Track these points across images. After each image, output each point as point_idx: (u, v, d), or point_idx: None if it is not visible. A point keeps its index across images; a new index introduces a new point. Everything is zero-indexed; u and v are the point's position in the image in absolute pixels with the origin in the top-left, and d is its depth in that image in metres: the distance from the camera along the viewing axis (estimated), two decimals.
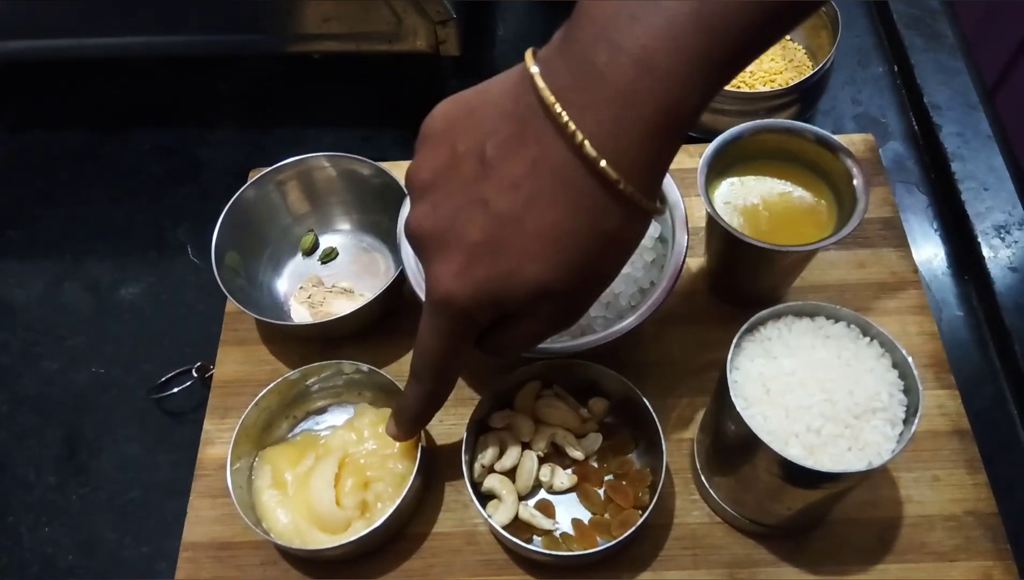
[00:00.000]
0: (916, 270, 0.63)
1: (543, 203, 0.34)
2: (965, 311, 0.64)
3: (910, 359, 0.43)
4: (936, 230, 0.68)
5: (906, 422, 0.43)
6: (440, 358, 0.42)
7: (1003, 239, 0.64)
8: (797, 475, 0.42)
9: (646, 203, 0.35)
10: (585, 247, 0.35)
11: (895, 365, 0.44)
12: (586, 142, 0.33)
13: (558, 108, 0.33)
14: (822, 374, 0.44)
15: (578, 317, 0.41)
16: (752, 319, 0.46)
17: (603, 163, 0.33)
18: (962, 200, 0.66)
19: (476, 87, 0.38)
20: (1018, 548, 0.52)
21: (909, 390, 0.44)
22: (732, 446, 0.46)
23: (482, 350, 0.42)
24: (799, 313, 0.46)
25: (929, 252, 0.67)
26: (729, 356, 0.44)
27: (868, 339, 0.45)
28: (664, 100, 0.33)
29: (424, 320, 0.41)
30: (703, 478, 0.54)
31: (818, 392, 0.43)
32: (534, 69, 0.34)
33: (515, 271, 0.36)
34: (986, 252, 0.64)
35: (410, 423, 0.50)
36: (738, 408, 0.43)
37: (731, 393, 0.43)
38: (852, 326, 0.46)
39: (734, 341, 0.45)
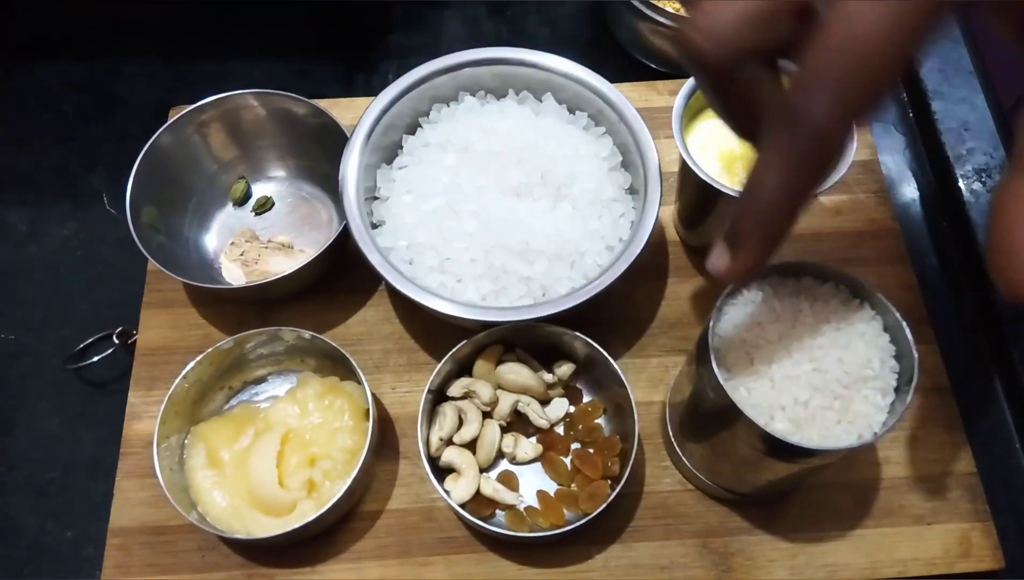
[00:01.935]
0: (895, 217, 0.60)
1: None
2: (942, 259, 0.61)
3: (904, 322, 0.40)
4: (913, 173, 0.65)
5: (898, 391, 0.40)
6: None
7: (984, 183, 0.61)
8: (782, 451, 0.39)
9: None
10: None
11: (887, 329, 0.41)
12: None
13: None
14: (810, 341, 0.40)
15: None
16: None
17: None
18: (942, 141, 0.63)
19: None
20: (995, 508, 0.50)
21: (902, 355, 0.40)
22: (710, 416, 0.43)
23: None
24: (784, 273, 0.42)
25: (906, 196, 0.64)
26: (711, 323, 0.40)
27: (858, 301, 0.42)
28: None
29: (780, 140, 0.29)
30: (675, 444, 0.51)
31: (806, 361, 0.39)
32: None
33: None
34: (966, 196, 0.61)
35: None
36: (720, 379, 0.39)
37: (713, 364, 0.39)
38: (841, 286, 0.42)
39: (716, 305, 0.41)
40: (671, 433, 0.51)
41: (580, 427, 0.52)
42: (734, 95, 0.32)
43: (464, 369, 0.52)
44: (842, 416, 0.39)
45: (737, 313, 0.42)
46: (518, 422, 0.52)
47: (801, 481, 0.50)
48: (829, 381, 0.39)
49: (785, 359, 0.40)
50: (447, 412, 0.50)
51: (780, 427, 0.39)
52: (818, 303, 0.41)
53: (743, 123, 0.34)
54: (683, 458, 0.50)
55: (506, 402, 0.51)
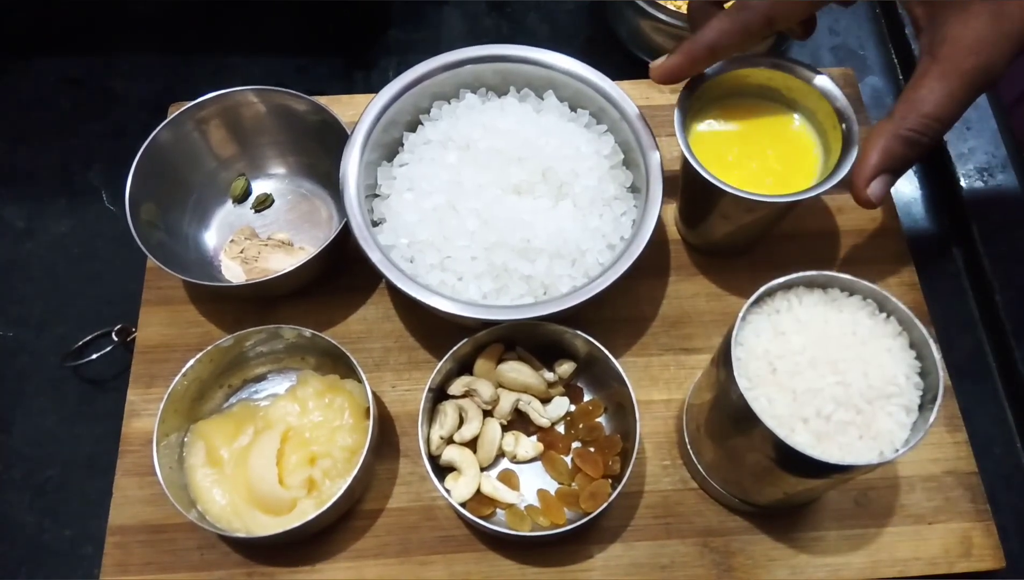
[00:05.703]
0: (896, 216, 0.60)
1: None
2: (943, 259, 0.61)
3: (931, 339, 0.39)
4: (916, 172, 0.65)
5: (921, 408, 0.39)
6: None
7: (986, 182, 0.61)
8: (802, 464, 0.38)
9: None
10: None
11: (912, 345, 0.40)
12: None
13: None
14: (835, 353, 0.39)
15: None
16: (760, 290, 0.41)
17: None
18: (944, 140, 0.63)
19: None
20: (996, 507, 0.50)
21: (927, 373, 0.40)
22: (730, 425, 0.42)
23: None
24: (811, 284, 0.42)
25: (908, 195, 0.64)
26: (734, 331, 0.40)
27: (885, 315, 0.41)
28: None
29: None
30: (690, 449, 0.50)
31: (829, 374, 0.39)
32: None
33: None
34: (968, 195, 0.60)
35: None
36: (741, 389, 0.38)
37: (734, 373, 0.39)
38: (868, 300, 0.41)
39: (740, 314, 0.40)
40: (687, 438, 0.50)
41: (581, 426, 0.51)
42: None
43: (465, 367, 0.52)
44: (864, 432, 0.39)
45: (761, 322, 0.41)
46: (519, 421, 0.52)
47: (817, 495, 0.50)
48: (852, 395, 0.39)
49: (808, 371, 0.39)
50: (448, 410, 0.50)
51: (800, 440, 0.39)
52: (844, 316, 0.41)
53: None
54: (697, 464, 0.49)
55: (507, 401, 0.51)
